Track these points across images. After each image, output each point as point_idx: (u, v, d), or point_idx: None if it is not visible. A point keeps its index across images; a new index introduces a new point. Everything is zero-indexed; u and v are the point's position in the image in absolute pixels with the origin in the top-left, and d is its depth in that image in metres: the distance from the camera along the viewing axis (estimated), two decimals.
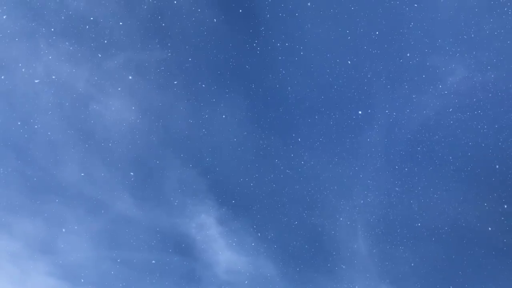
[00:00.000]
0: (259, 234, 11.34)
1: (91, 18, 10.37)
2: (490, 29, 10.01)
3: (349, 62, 10.57)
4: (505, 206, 10.37)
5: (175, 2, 10.40)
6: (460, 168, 10.59)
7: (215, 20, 10.53)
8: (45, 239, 11.16)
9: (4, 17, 10.13)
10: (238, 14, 10.54)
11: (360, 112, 10.78)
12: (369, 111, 10.80)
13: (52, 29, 10.30)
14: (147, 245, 11.39)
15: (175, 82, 10.74)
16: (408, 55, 10.42)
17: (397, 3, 10.21)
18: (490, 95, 10.27)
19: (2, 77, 10.32)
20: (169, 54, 10.61)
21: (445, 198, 10.74)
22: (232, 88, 10.84)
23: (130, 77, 10.67)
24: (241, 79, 10.79)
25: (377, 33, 10.38)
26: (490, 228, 10.54)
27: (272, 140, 11.02)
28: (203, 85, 10.75)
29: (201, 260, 11.45)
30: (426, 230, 10.88)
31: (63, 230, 11.03)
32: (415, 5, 10.21)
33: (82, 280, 11.35)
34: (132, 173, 10.94)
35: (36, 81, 10.47)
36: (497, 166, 10.36)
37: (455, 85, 10.40)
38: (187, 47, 10.60)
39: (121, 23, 10.41)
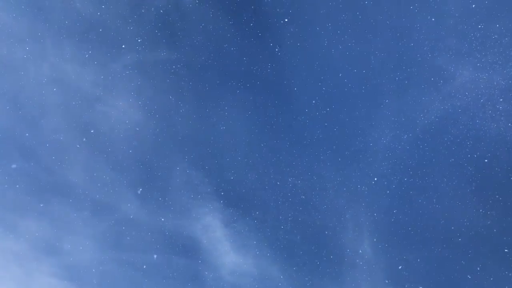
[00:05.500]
0: (264, 236, 11.30)
1: (98, 19, 10.39)
2: (498, 28, 9.99)
3: (355, 63, 10.56)
4: None
5: (182, 3, 10.41)
6: (469, 170, 10.55)
7: (222, 21, 10.54)
8: (50, 240, 11.14)
9: (11, 17, 10.15)
10: (246, 15, 10.55)
11: (365, 114, 10.77)
12: (375, 112, 10.77)
13: (59, 30, 10.31)
14: (152, 246, 11.36)
15: (182, 83, 10.74)
16: (415, 55, 10.40)
17: (404, 4, 10.21)
18: (499, 95, 10.25)
19: (8, 77, 10.34)
20: (176, 55, 10.62)
21: (453, 200, 10.69)
22: (239, 90, 10.84)
23: (137, 78, 10.68)
24: (248, 80, 10.78)
25: (384, 34, 10.38)
26: (499, 232, 10.49)
27: (279, 142, 11.00)
28: (210, 87, 10.76)
29: (206, 262, 11.41)
30: (433, 232, 10.83)
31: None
32: (423, 5, 10.20)
33: (86, 281, 11.31)
34: (137, 179, 10.99)
35: (42, 81, 10.48)
36: (507, 168, 10.32)
37: (463, 86, 10.38)
38: (194, 48, 10.61)
39: (128, 24, 10.42)
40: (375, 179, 10.94)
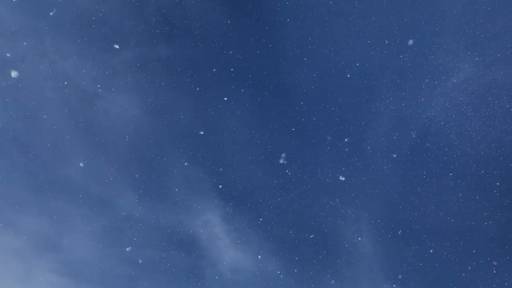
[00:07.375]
0: (264, 232, 11.34)
1: (97, 15, 10.33)
2: (498, 25, 9.98)
3: (353, 61, 10.54)
4: None
5: None
6: (468, 168, 10.58)
7: (222, 17, 10.50)
8: (49, 236, 11.16)
9: (9, 13, 10.09)
10: (246, 11, 10.51)
11: (364, 113, 10.77)
12: (373, 110, 10.78)
13: (58, 26, 10.26)
14: (152, 243, 11.39)
15: (182, 80, 10.72)
16: (413, 53, 10.38)
17: (404, 2, 10.18)
18: (500, 94, 10.25)
19: (7, 74, 10.29)
20: (176, 51, 10.59)
21: (452, 198, 10.73)
22: (239, 86, 10.81)
23: (136, 75, 10.64)
24: (248, 77, 10.76)
25: (381, 30, 10.35)
26: (497, 230, 10.55)
27: (278, 139, 11.01)
28: (211, 83, 10.74)
29: (206, 258, 11.44)
30: (432, 230, 10.89)
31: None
32: (421, 2, 10.17)
33: (86, 278, 11.35)
34: (136, 175, 10.98)
35: (41, 78, 10.44)
36: (507, 167, 10.35)
37: (462, 84, 10.38)
38: (194, 44, 10.58)
39: (127, 20, 10.37)
40: (375, 178, 10.98)
